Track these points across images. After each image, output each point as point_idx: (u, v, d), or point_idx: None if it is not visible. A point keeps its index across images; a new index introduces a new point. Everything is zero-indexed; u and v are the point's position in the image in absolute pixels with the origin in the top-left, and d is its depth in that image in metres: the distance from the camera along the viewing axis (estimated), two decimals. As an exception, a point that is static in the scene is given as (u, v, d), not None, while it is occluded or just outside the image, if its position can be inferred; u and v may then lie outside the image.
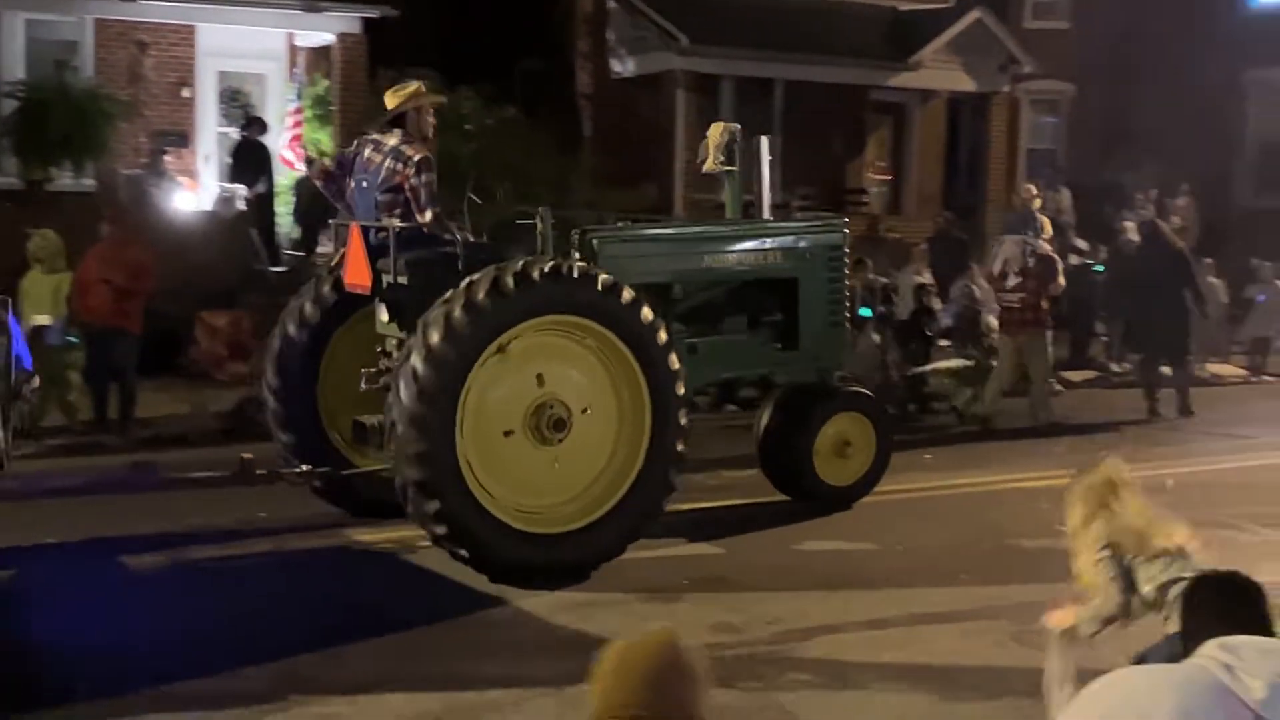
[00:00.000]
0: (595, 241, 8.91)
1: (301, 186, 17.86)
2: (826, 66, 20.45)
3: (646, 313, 8.33)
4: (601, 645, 2.89)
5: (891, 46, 21.38)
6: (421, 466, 7.74)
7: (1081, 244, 18.50)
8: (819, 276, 10.01)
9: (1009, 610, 7.70)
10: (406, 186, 8.46)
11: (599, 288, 8.18)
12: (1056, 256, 14.34)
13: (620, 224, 10.17)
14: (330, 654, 6.91)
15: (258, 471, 8.91)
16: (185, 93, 17.41)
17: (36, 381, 8.27)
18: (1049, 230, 15.15)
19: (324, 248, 17.57)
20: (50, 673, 6.55)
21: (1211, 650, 3.04)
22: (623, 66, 21.24)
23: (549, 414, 8.18)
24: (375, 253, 8.48)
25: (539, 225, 8.65)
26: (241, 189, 16.73)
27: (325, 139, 18.31)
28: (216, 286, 14.72)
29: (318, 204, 17.83)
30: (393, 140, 8.61)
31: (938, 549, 9.15)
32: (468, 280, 7.93)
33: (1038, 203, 15.72)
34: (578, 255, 8.69)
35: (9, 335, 7.46)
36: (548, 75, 20.86)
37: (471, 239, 8.70)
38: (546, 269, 8.06)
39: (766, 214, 10.33)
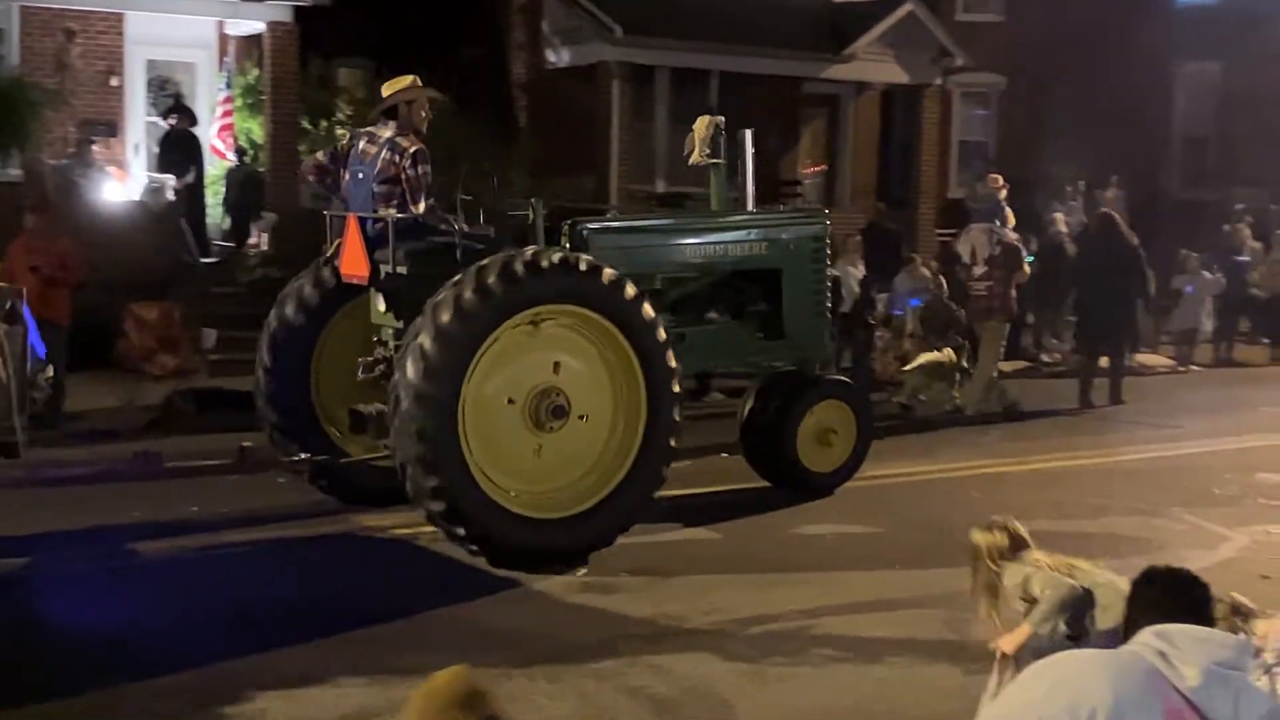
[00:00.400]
0: (586, 232, 9.06)
1: (231, 176, 17.69)
2: (761, 58, 20.49)
3: (648, 309, 8.51)
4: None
5: (825, 39, 21.47)
6: (423, 443, 7.84)
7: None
8: (802, 267, 10.19)
9: (944, 598, 7.77)
10: (402, 178, 8.61)
11: (604, 281, 8.33)
12: (1022, 246, 14.62)
13: (610, 214, 10.40)
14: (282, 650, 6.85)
15: (294, 461, 9.17)
16: (114, 81, 17.14)
17: (50, 370, 8.44)
18: (1013, 220, 15.47)
19: (253, 239, 17.46)
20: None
21: (1147, 638, 3.10)
22: (557, 57, 21.18)
23: (551, 400, 8.33)
24: (373, 243, 8.63)
25: (531, 216, 8.83)
26: (170, 179, 16.51)
27: (256, 128, 18.12)
28: (146, 278, 14.50)
29: (247, 194, 17.74)
30: (387, 133, 8.75)
31: (870, 538, 9.23)
32: (480, 264, 8.07)
33: (1004, 193, 15.97)
34: (568, 245, 8.87)
35: (25, 325, 7.68)
36: (482, 66, 20.75)
37: (466, 229, 8.81)
38: (556, 259, 8.21)
39: (750, 206, 10.46)
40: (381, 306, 8.80)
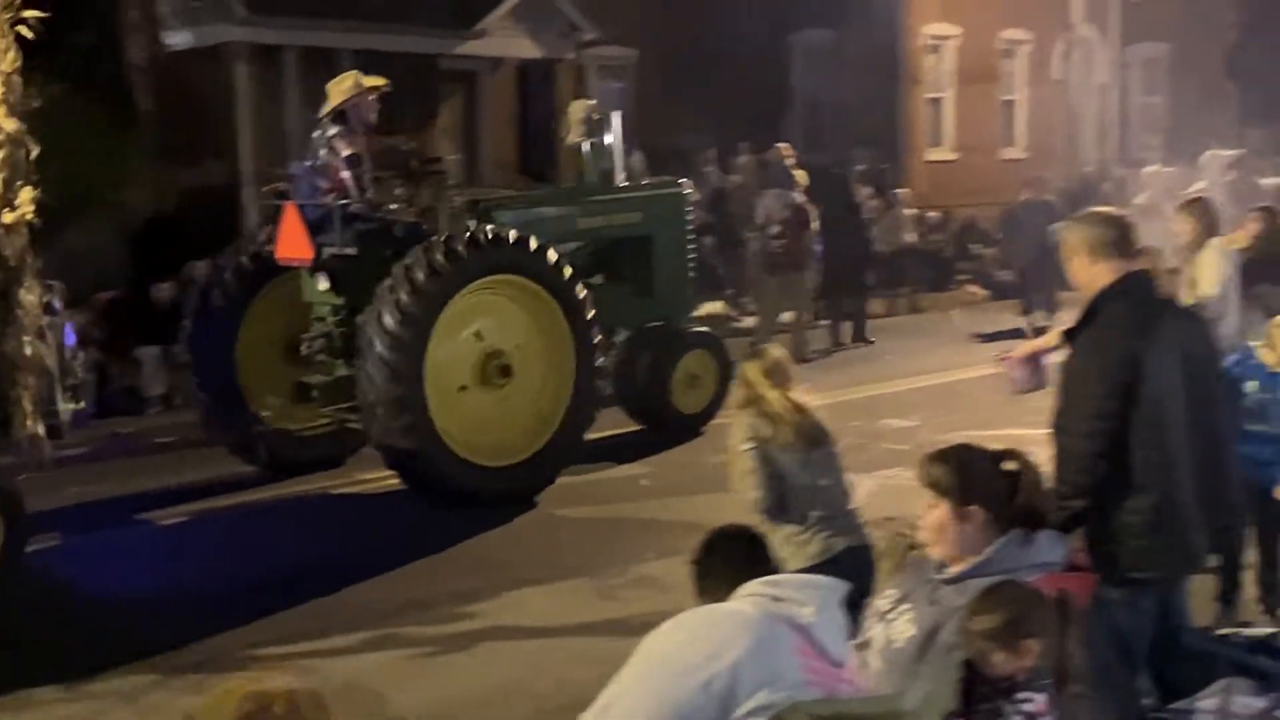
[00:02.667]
0: (490, 210, 10.27)
1: None
2: (393, 35, 20.20)
3: (569, 272, 9.76)
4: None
5: (457, 15, 21.37)
6: (396, 382, 8.91)
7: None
8: (669, 233, 11.61)
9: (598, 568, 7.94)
10: (336, 179, 9.61)
11: (532, 250, 9.53)
12: (810, 207, 15.93)
13: (508, 193, 11.65)
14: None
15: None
16: None
17: (83, 355, 9.08)
18: (804, 182, 16.56)
19: None
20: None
21: (758, 587, 3.38)
22: (177, 38, 20.27)
23: (497, 360, 9.59)
24: (315, 228, 9.56)
25: (449, 204, 10.03)
26: None
27: None
28: None
29: None
30: (332, 131, 9.71)
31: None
32: (429, 240, 9.27)
33: (790, 160, 16.99)
34: (475, 221, 9.90)
35: (61, 316, 8.30)
36: (97, 49, 19.64)
37: (404, 219, 9.89)
38: (491, 234, 9.46)
39: (620, 180, 11.50)
40: (323, 286, 9.74)
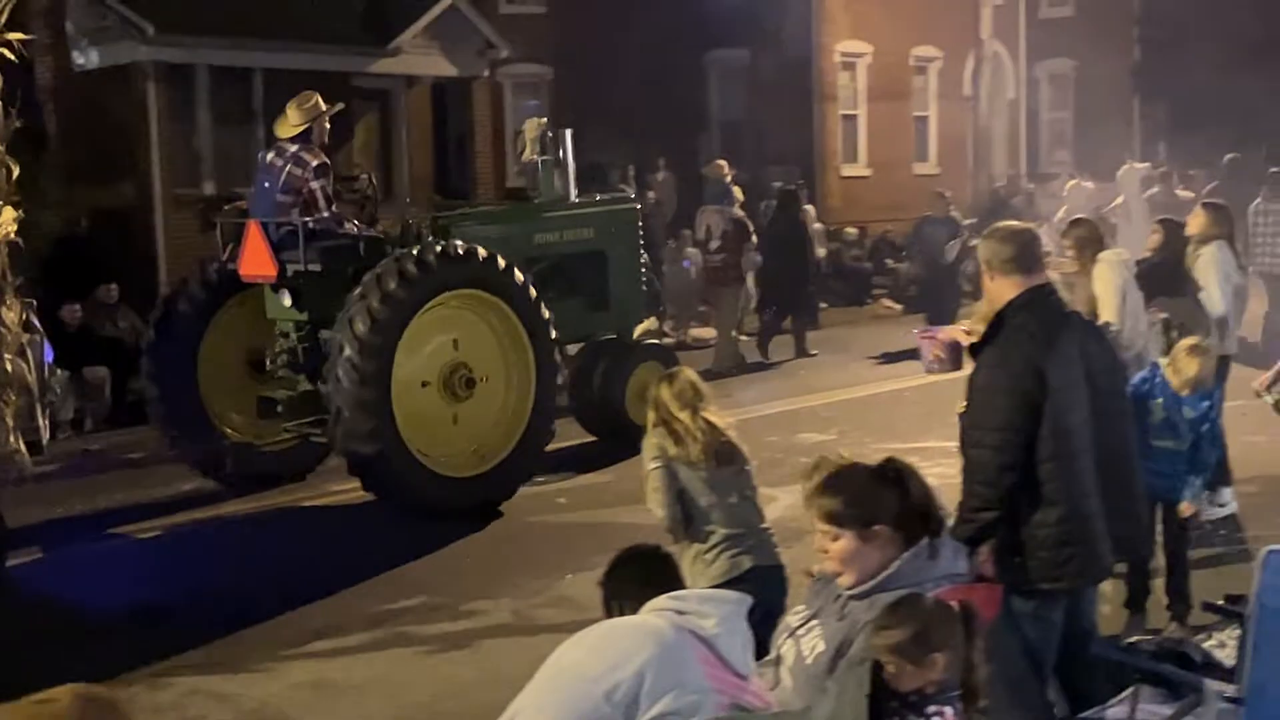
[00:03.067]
0: (448, 226, 10.43)
1: None
2: (305, 54, 20.03)
3: (532, 289, 10.00)
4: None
5: (370, 33, 21.25)
6: (365, 386, 9.08)
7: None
8: (622, 249, 11.80)
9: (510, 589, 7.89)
10: (305, 190, 9.77)
11: (498, 266, 9.78)
12: (749, 222, 16.55)
13: (463, 210, 11.73)
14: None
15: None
16: None
17: (59, 373, 9.30)
18: (742, 198, 17.17)
19: None
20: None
21: (663, 602, 3.47)
22: (86, 58, 19.95)
23: (462, 373, 9.76)
24: (278, 246, 9.74)
25: (409, 219, 10.45)
26: None
27: None
28: None
29: None
30: (293, 147, 9.93)
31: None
32: (398, 254, 9.50)
33: (729, 176, 17.46)
34: (431, 235, 10.14)
35: (41, 334, 8.38)
36: (4, 69, 19.29)
37: (368, 233, 10.14)
38: (462, 250, 9.70)
39: (573, 197, 11.65)
40: (286, 302, 9.93)
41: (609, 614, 3.62)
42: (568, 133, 11.56)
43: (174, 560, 9.21)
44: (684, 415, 5.40)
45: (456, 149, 23.49)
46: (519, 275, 9.87)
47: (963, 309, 15.59)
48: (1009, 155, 29.23)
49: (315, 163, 9.79)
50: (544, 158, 11.40)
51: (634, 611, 3.51)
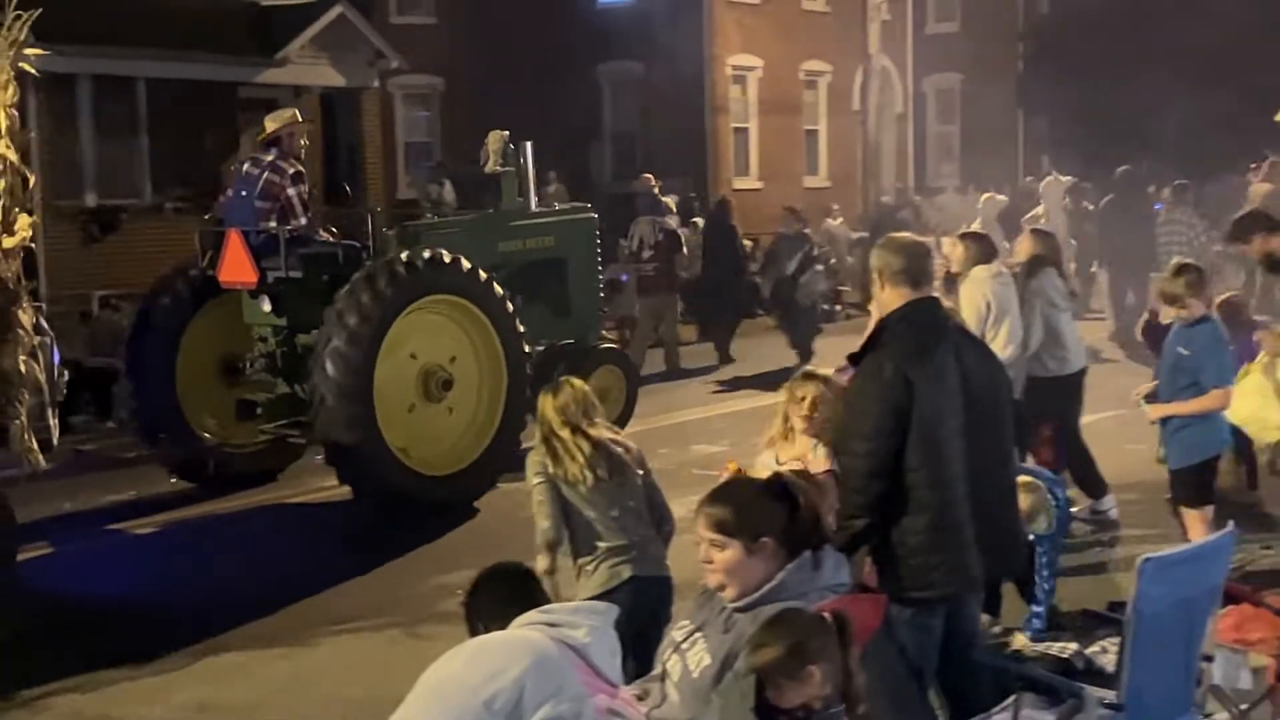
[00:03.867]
0: (416, 233, 10.80)
1: None
2: (190, 63, 19.71)
3: (498, 289, 10.42)
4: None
5: (257, 42, 20.96)
6: (350, 374, 9.46)
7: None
8: (581, 256, 12.24)
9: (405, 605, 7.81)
10: (282, 196, 10.12)
11: (474, 274, 10.22)
12: (680, 232, 17.10)
13: (429, 220, 11.80)
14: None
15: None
16: None
17: (66, 374, 9.33)
18: (674, 209, 17.60)
19: None
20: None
21: (534, 616, 3.49)
22: (-38, 66, 19.42)
23: (439, 376, 10.19)
24: (258, 252, 10.07)
25: (369, 225, 10.58)
26: None
27: None
28: None
29: None
30: (269, 157, 10.31)
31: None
32: (386, 259, 9.90)
33: (658, 188, 17.96)
34: (398, 244, 10.45)
35: (51, 336, 8.71)
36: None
37: (346, 241, 10.51)
38: (446, 258, 10.12)
39: (533, 207, 12.09)
40: (266, 308, 10.29)
41: (474, 633, 3.61)
42: (528, 145, 11.95)
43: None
44: (564, 432, 5.40)
45: (347, 160, 23.24)
46: (497, 286, 10.35)
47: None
48: (898, 168, 29.67)
49: (292, 170, 10.21)
50: (506, 168, 11.79)
51: (500, 629, 3.51)
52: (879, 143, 25.87)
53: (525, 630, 3.44)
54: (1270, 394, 7.74)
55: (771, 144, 26.81)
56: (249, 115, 22.41)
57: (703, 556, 3.87)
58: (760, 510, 3.84)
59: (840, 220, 24.81)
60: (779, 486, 3.94)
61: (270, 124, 10.48)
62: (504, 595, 3.63)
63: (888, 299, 4.79)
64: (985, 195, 24.25)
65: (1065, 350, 8.89)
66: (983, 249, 8.69)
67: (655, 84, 25.39)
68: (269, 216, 10.12)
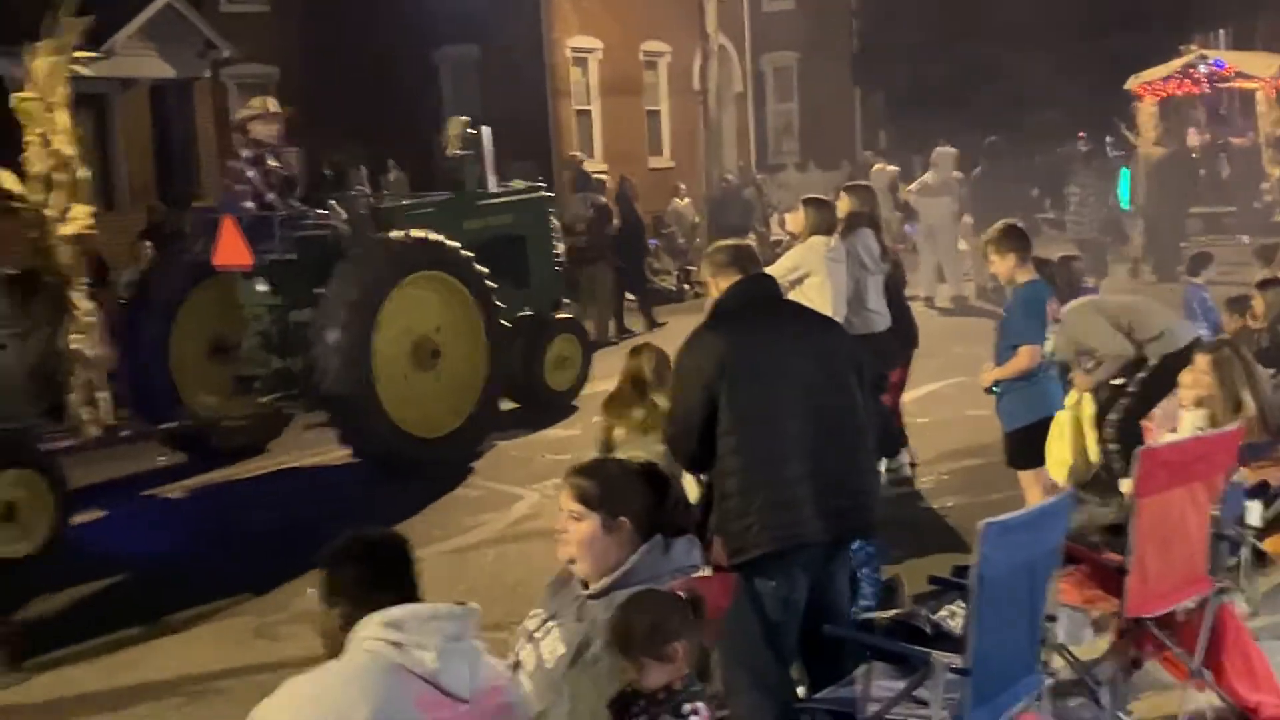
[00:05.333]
0: (390, 214, 11.37)
1: None
2: (4, 58, 18.96)
3: (481, 269, 11.20)
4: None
5: (82, 34, 20.23)
6: (351, 337, 10.22)
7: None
8: (537, 233, 12.99)
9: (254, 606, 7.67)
10: (243, 179, 10.63)
11: (455, 250, 10.99)
12: (612, 207, 17.98)
13: (405, 201, 12.45)
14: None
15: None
16: None
17: (110, 353, 9.94)
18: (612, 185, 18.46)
19: None
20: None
21: (378, 631, 3.10)
22: None
23: (428, 345, 10.94)
24: (253, 235, 10.52)
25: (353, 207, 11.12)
26: None
27: None
28: None
29: None
30: (241, 148, 10.85)
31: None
32: (380, 238, 10.72)
33: (586, 163, 19.02)
34: (375, 225, 10.98)
35: (100, 318, 9.30)
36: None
37: (334, 220, 10.99)
38: (430, 238, 10.88)
39: (492, 188, 12.75)
40: (262, 289, 10.83)
41: (330, 607, 3.23)
42: (486, 130, 12.62)
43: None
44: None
45: (180, 153, 22.64)
46: (465, 254, 11.03)
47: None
48: (740, 147, 29.88)
49: (245, 154, 10.70)
50: (466, 152, 12.42)
51: (353, 618, 3.15)
52: (720, 122, 26.00)
53: (365, 658, 3.10)
54: (1066, 432, 7.67)
55: (614, 126, 26.79)
56: (76, 110, 21.66)
57: (559, 527, 3.85)
58: (626, 490, 3.85)
59: (687, 200, 24.92)
60: (652, 475, 3.97)
61: (242, 113, 11.13)
62: (367, 578, 3.21)
63: (720, 287, 5.03)
64: (876, 165, 24.61)
65: (870, 311, 8.88)
66: (822, 216, 8.71)
67: (494, 67, 25.19)
68: (244, 199, 10.67)
